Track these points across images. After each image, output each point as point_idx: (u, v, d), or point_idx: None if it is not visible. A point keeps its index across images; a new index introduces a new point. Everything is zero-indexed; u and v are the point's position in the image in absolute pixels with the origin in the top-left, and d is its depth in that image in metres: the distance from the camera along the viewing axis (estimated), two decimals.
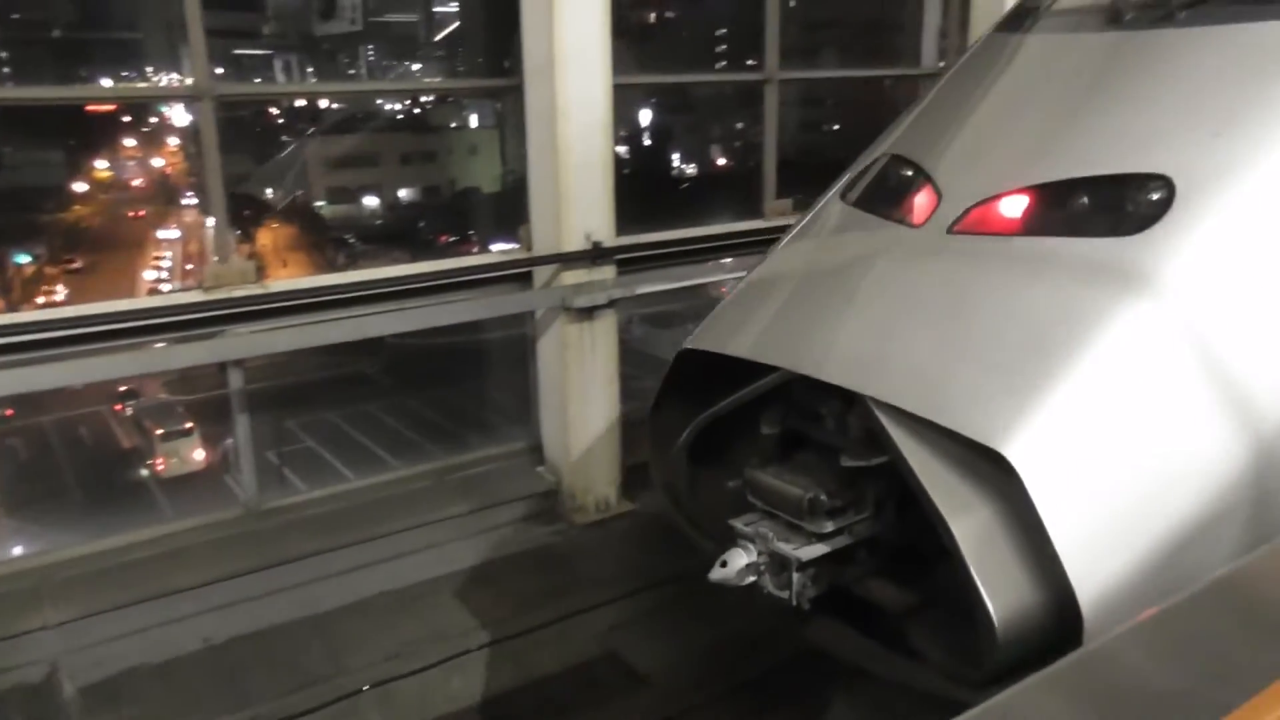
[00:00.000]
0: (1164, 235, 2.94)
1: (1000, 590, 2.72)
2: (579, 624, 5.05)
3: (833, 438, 3.32)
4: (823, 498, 3.17)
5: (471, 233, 8.30)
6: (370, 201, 10.69)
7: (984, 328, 3.05)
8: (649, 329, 9.43)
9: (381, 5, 8.29)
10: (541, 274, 5.80)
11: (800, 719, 4.36)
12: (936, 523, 2.78)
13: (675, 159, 9.06)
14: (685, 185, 8.72)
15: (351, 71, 8.70)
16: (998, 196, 3.26)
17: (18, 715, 4.23)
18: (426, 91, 7.67)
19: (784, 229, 5.24)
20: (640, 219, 6.49)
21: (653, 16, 9.27)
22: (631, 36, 9.24)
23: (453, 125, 9.90)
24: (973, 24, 7.28)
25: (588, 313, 5.77)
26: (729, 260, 6.70)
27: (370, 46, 8.85)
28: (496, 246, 6.36)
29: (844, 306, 3.34)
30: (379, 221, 9.98)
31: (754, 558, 3.26)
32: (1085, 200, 3.17)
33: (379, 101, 9.97)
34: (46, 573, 4.84)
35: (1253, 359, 2.88)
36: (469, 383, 8.39)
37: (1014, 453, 2.69)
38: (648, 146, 9.56)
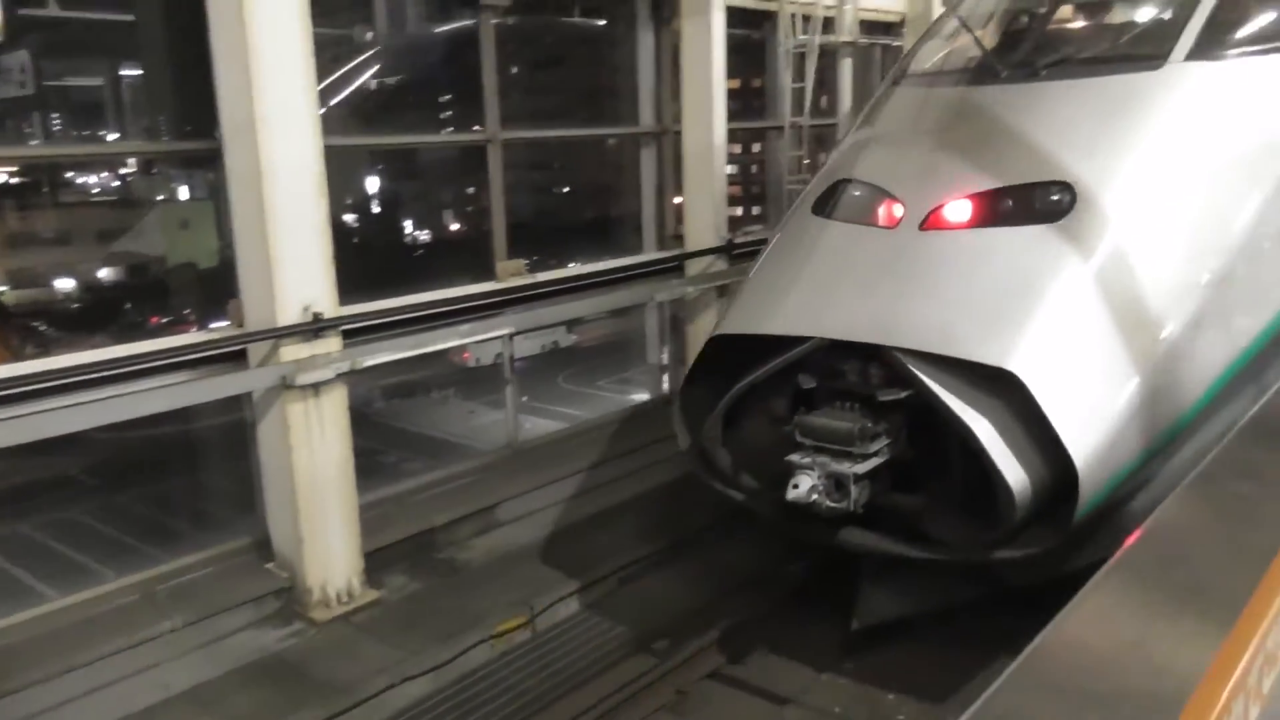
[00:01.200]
0: (1077, 220, 4.46)
1: (1013, 470, 4.01)
2: None
3: (860, 386, 4.48)
4: (868, 425, 4.37)
5: (188, 312, 7.57)
6: (66, 283, 9.55)
7: (966, 289, 4.44)
8: (396, 399, 9.01)
9: (62, 68, 7.46)
10: (259, 351, 5.32)
11: None
12: (958, 429, 4.08)
13: (406, 223, 8.78)
14: (417, 250, 8.48)
15: (33, 141, 7.77)
16: (947, 202, 4.69)
17: None
18: (103, 156, 6.96)
19: (520, 289, 5.64)
20: (370, 286, 6.18)
21: (375, 79, 9.01)
22: (355, 97, 8.93)
23: (160, 198, 9.07)
24: (684, 88, 7.60)
25: (313, 389, 5.35)
26: (465, 325, 6.51)
27: (53, 113, 7.95)
28: (217, 326, 5.81)
29: (855, 286, 4.69)
30: (76, 305, 8.92)
31: (815, 481, 4.33)
32: (1012, 202, 4.64)
33: (69, 174, 8.97)
34: None
35: (1142, 287, 4.42)
36: (187, 475, 7.60)
37: (1015, 366, 4.07)
38: (377, 212, 9.22)
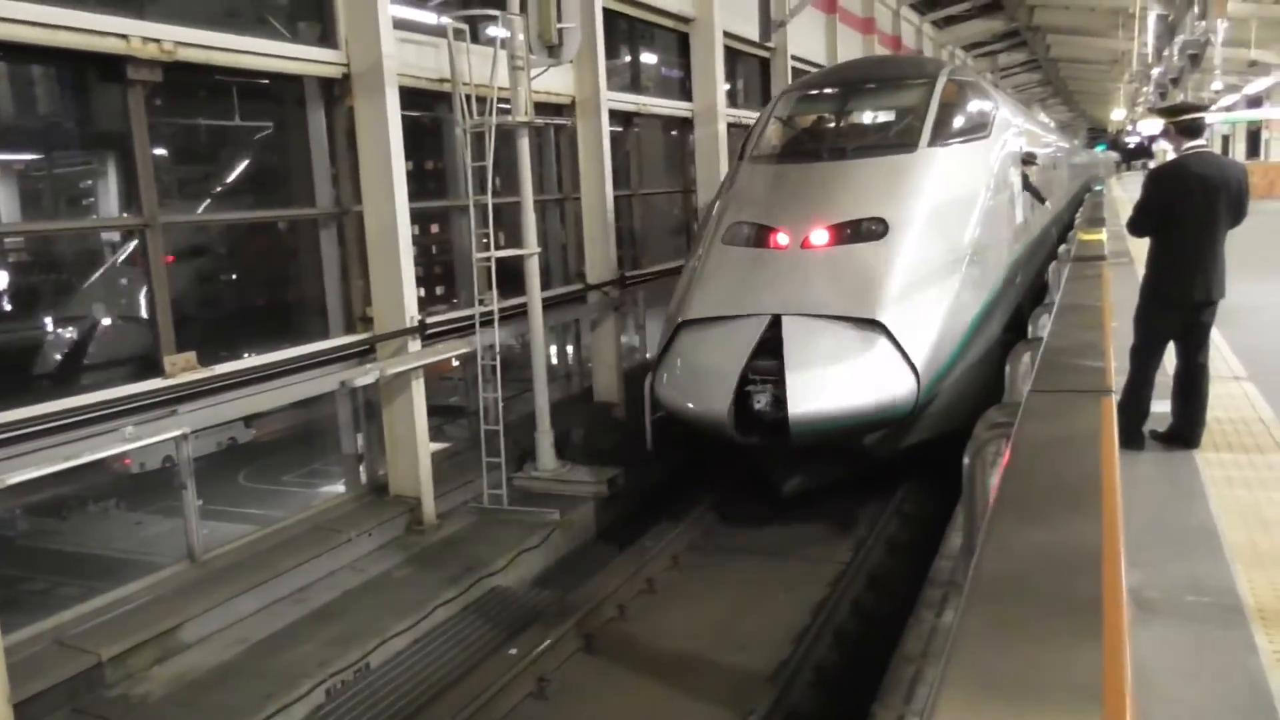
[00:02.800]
0: (892, 238, 7.36)
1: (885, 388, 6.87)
2: None
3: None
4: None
5: None
6: None
7: (837, 279, 7.19)
8: (44, 517, 7.90)
9: None
10: None
11: None
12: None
13: (50, 318, 7.82)
14: (66, 349, 7.56)
15: None
16: (812, 231, 7.48)
17: None
18: None
19: (192, 385, 5.40)
20: (10, 391, 5.45)
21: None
22: None
23: None
24: (362, 167, 7.49)
25: None
26: (130, 428, 5.90)
27: None
28: None
29: (770, 283, 7.32)
30: None
31: (765, 399, 6.88)
32: (851, 230, 7.46)
33: None
34: None
35: (931, 270, 7.35)
36: None
37: (881, 316, 6.93)
38: (15, 308, 8.13)
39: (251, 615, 6.29)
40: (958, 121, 8.58)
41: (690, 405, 7.22)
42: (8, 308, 8.11)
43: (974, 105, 8.92)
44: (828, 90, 9.34)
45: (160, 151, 6.80)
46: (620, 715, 5.59)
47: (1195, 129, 5.61)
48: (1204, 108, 6.23)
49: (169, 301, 6.25)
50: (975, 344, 7.69)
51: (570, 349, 11.44)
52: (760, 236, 7.70)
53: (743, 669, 5.88)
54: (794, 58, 16.32)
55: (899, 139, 8.31)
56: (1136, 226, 5.82)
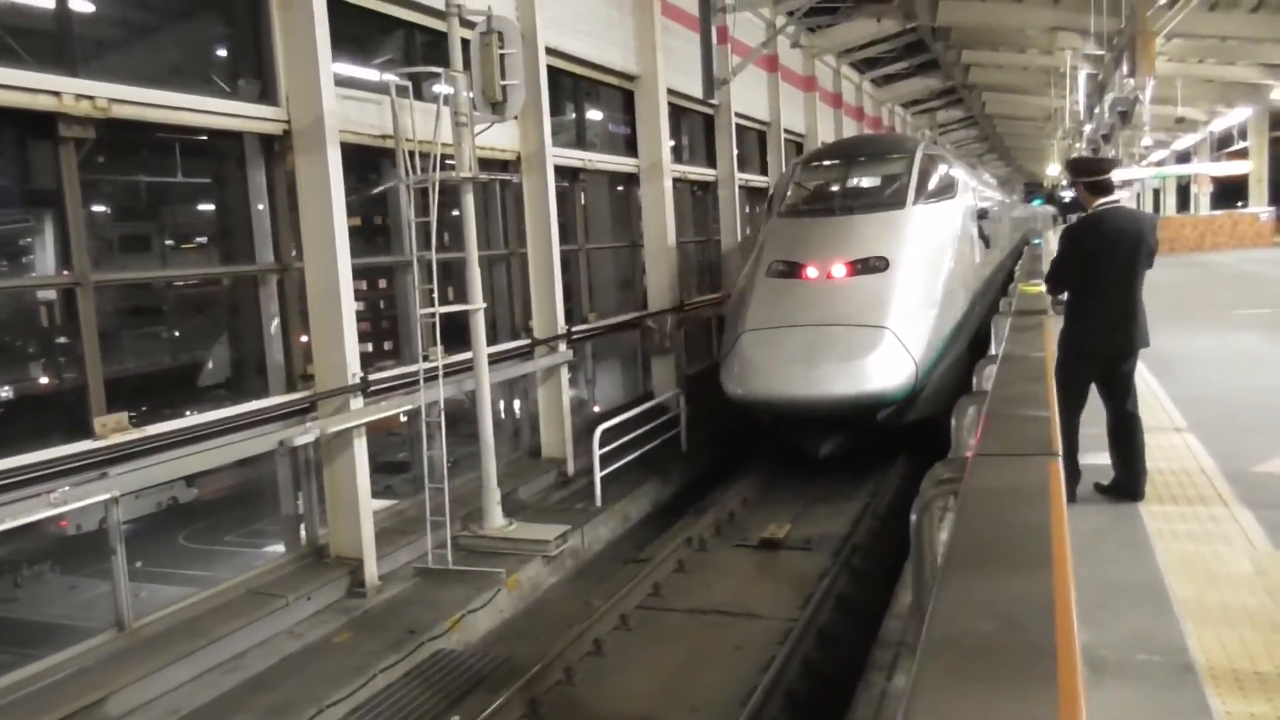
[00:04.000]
0: (892, 271, 9.98)
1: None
2: None
3: None
4: None
5: None
6: None
7: (854, 300, 9.78)
8: None
9: None
10: None
11: None
12: None
13: None
14: None
15: None
16: (833, 265, 10.14)
17: None
18: None
19: (124, 445, 5.33)
20: None
21: None
22: None
23: None
24: (303, 223, 7.40)
25: None
26: (60, 491, 5.67)
27: None
28: None
29: (804, 304, 9.94)
30: None
31: None
32: (862, 265, 10.04)
33: None
34: None
35: (923, 294, 10.03)
36: None
37: (888, 324, 9.50)
38: None
39: (184, 685, 6.04)
40: (932, 185, 11.28)
41: (754, 390, 9.66)
42: None
43: (943, 172, 11.72)
44: (831, 162, 12.37)
45: (98, 208, 6.65)
46: None
47: (1106, 187, 5.77)
48: (1110, 167, 6.36)
49: (99, 361, 6.07)
50: (952, 349, 10.41)
51: (518, 404, 11.33)
52: (794, 270, 10.30)
53: None
54: (738, 114, 16.66)
55: (891, 199, 11.07)
56: (1056, 282, 5.95)
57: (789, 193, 11.84)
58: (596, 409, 12.52)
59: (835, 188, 11.71)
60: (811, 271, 10.14)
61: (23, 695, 5.53)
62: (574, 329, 11.12)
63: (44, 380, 7.68)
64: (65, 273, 6.05)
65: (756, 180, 18.57)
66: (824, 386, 9.15)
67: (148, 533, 7.20)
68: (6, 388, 7.41)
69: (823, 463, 10.03)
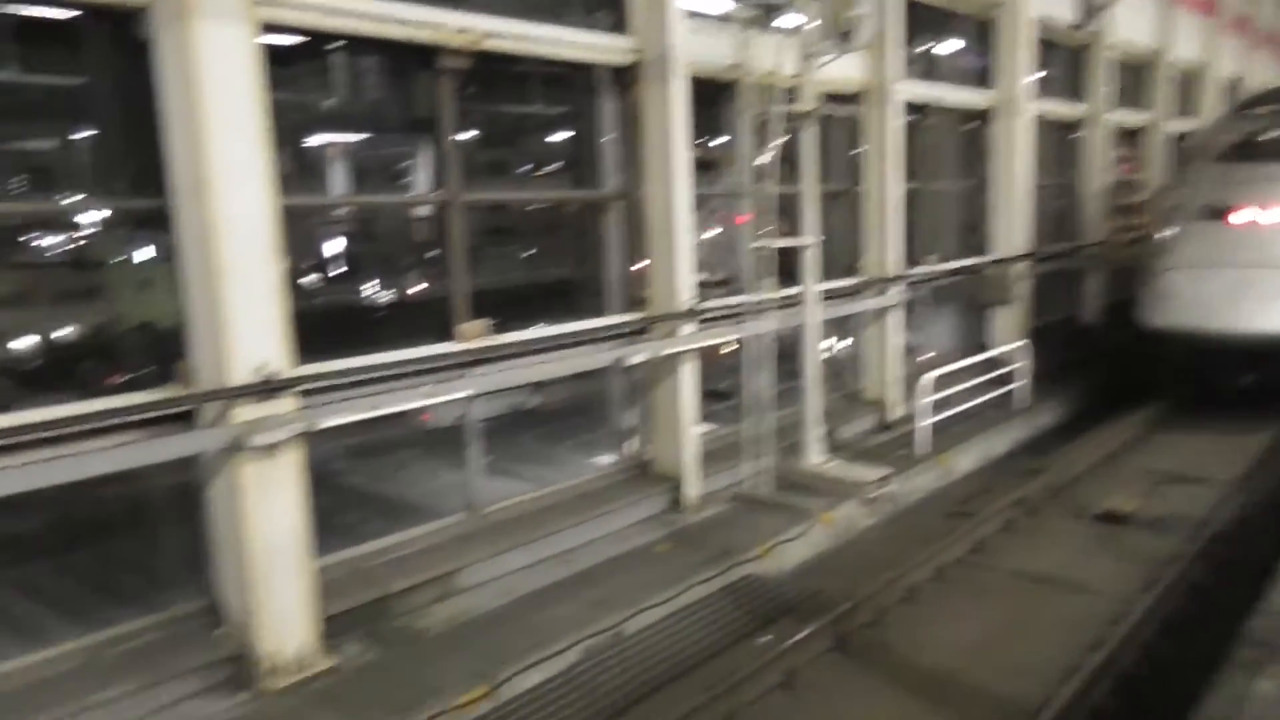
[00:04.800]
0: None
1: None
2: None
3: None
4: None
5: (153, 369, 7.44)
6: (22, 343, 9.37)
7: None
8: (355, 459, 8.81)
9: (12, 131, 7.38)
10: (210, 412, 5.21)
11: None
12: None
13: (372, 284, 8.76)
14: (381, 311, 8.43)
15: None
16: (1264, 210, 10.59)
17: None
18: (52, 214, 6.91)
19: (482, 351, 5.87)
20: (332, 346, 6.09)
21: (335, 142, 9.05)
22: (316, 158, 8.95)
23: (119, 259, 8.97)
24: (646, 152, 7.66)
25: (266, 451, 5.24)
26: (426, 386, 6.43)
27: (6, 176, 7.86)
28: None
29: (1231, 246, 10.71)
30: (34, 364, 8.75)
31: None
32: None
33: (22, 238, 8.86)
34: None
35: None
36: (143, 536, 7.34)
37: None
38: (343, 272, 9.17)
39: (520, 569, 6.68)
40: None
41: (1178, 322, 10.42)
42: (339, 270, 9.12)
43: None
44: (1269, 108, 12.45)
45: (466, 135, 7.30)
46: None
47: None
48: None
49: (465, 273, 6.74)
50: None
51: (843, 344, 11.15)
52: (1223, 213, 10.74)
53: (1007, 699, 5.44)
54: (1113, 47, 14.90)
55: None
56: None
57: (1219, 138, 12.31)
58: (925, 356, 12.01)
59: (1272, 134, 11.85)
60: (1241, 215, 10.65)
61: (395, 558, 6.41)
62: (909, 271, 10.69)
63: (417, 288, 8.68)
64: (439, 191, 6.76)
65: (1134, 119, 16.57)
66: (1251, 322, 9.95)
67: (500, 430, 7.94)
68: (388, 291, 8.50)
69: (1187, 440, 10.31)
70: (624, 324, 7.76)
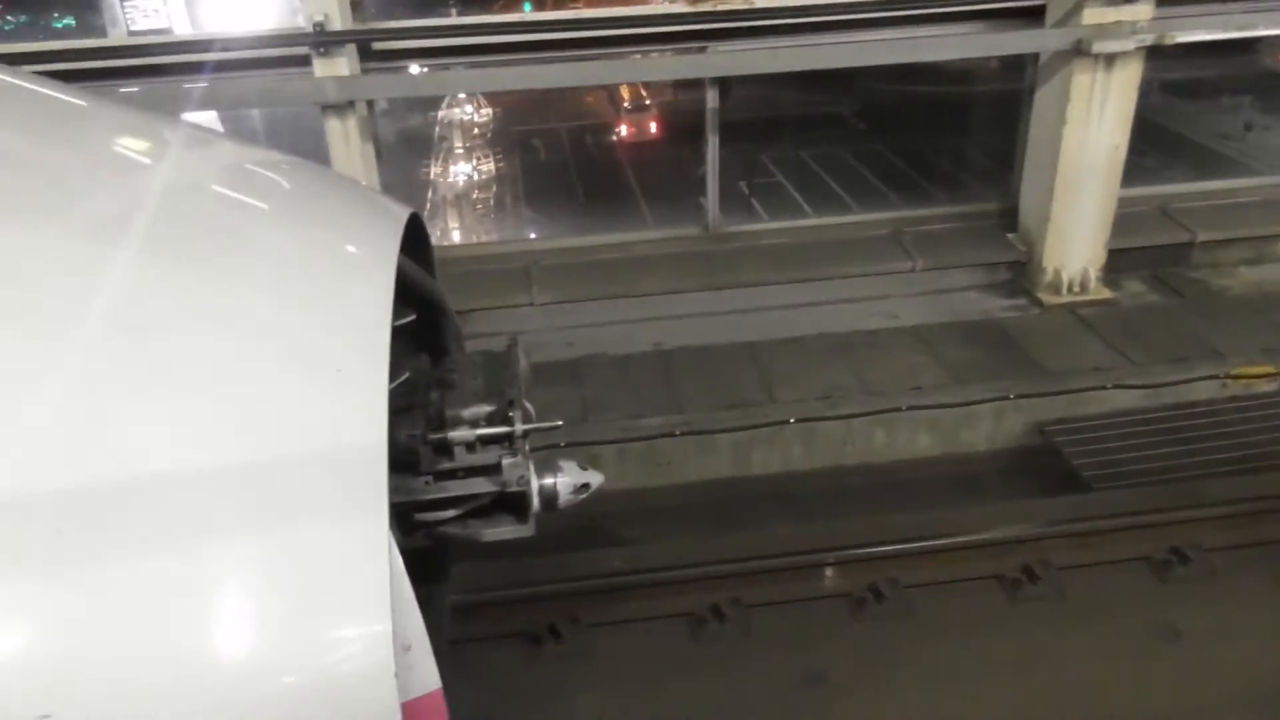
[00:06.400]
0: None
1: None
2: (1016, 409, 4.64)
3: None
4: None
5: None
6: None
7: None
8: (1171, 97, 7.84)
9: None
10: (1057, 11, 4.93)
11: None
12: None
13: None
14: None
15: None
16: None
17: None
18: None
19: None
20: None
21: None
22: None
23: None
24: None
25: (1106, 61, 4.85)
26: None
27: None
28: None
29: None
30: None
31: None
32: None
33: None
34: (535, 257, 5.48)
35: None
36: (944, 135, 7.68)
37: None
38: None
39: None
40: None
41: None
42: None
43: None
44: None
45: None
46: None
47: None
48: None
49: None
50: None
51: None
52: None
53: None
54: None
55: None
56: None
57: None
58: None
59: None
60: None
61: (1203, 206, 5.79)
62: None
63: None
64: None
65: None
66: None
67: None
68: None
69: None
70: None
